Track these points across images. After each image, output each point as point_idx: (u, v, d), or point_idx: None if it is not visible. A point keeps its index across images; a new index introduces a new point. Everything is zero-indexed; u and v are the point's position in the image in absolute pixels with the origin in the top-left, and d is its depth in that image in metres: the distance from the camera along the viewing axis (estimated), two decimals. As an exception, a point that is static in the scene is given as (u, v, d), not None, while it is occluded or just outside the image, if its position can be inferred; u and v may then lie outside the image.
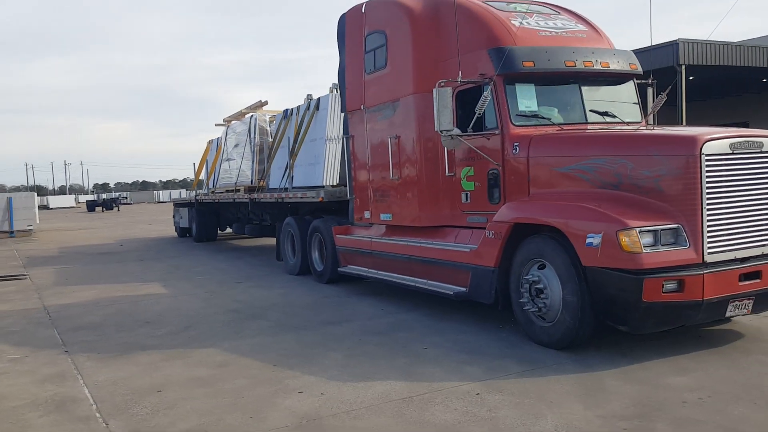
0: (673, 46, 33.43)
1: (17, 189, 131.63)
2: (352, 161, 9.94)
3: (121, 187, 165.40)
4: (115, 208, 66.66)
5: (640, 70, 7.74)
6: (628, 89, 7.84)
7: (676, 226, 5.59)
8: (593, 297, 5.84)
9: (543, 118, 7.23)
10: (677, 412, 4.59)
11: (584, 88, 7.45)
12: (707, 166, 5.56)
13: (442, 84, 7.04)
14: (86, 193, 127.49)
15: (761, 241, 5.88)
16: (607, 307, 5.78)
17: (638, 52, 29.92)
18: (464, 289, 7.37)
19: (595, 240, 5.70)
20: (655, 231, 5.55)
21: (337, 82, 10.67)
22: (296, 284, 11.11)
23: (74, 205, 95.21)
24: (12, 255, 18.97)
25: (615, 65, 7.49)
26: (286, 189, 13.52)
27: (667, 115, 42.54)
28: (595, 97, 7.56)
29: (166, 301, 10.05)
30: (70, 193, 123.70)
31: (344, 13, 9.79)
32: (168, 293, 10.88)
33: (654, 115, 8.20)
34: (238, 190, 16.34)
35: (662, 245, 5.55)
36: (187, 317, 8.73)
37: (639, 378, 5.34)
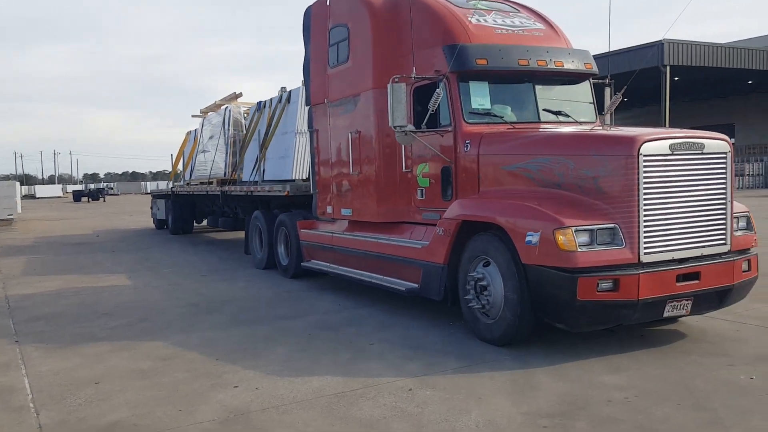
0: (657, 46, 33.67)
1: (6, 177, 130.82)
2: (316, 155, 9.94)
3: (110, 177, 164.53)
4: (101, 199, 66.42)
5: (595, 69, 7.77)
6: (584, 89, 7.87)
7: (612, 225, 5.63)
8: (532, 295, 5.87)
9: (496, 116, 7.25)
10: (600, 410, 4.63)
11: (538, 87, 7.48)
12: (645, 166, 5.60)
13: (396, 80, 7.04)
14: (75, 183, 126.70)
15: (700, 242, 5.93)
16: (544, 304, 5.83)
17: (623, 52, 29.98)
18: (416, 285, 7.40)
19: (533, 238, 5.73)
20: (591, 230, 5.59)
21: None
22: (261, 278, 11.12)
23: (61, 195, 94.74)
24: (-16, 244, 18.87)
25: (569, 65, 7.52)
26: (256, 182, 13.50)
27: (652, 114, 42.80)
28: (549, 96, 7.59)
29: (128, 293, 10.04)
30: (59, 183, 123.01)
31: (310, 5, 9.78)
32: (131, 285, 10.86)
33: (610, 115, 8.23)
34: (212, 183, 16.30)
35: (598, 244, 5.59)
36: (145, 309, 8.72)
37: (572, 376, 5.38)
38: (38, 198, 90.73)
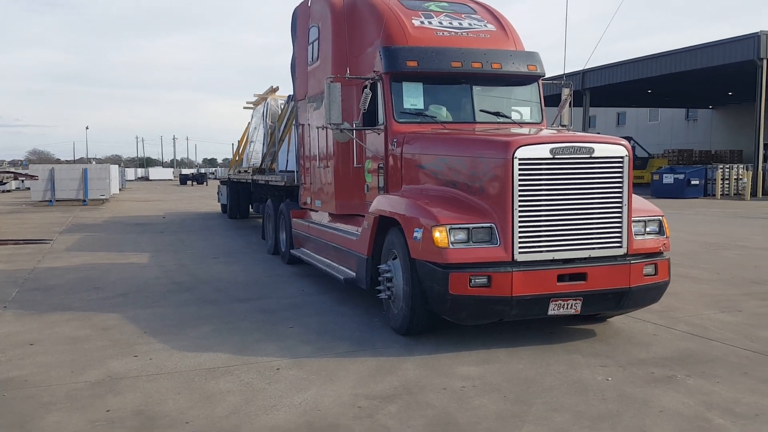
0: (753, 38, 31.69)
1: (132, 160, 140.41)
2: (300, 148, 10.48)
3: (227, 162, 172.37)
4: (205, 183, 70.19)
5: (540, 71, 7.82)
6: (529, 90, 7.94)
7: (489, 225, 5.81)
8: (421, 288, 6.15)
9: (428, 116, 7.50)
10: (425, 396, 4.90)
11: (477, 88, 7.64)
12: (520, 169, 5.73)
13: (331, 79, 7.44)
14: (194, 167, 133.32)
15: (587, 244, 5.98)
16: (428, 297, 6.09)
17: (715, 45, 28.71)
18: (354, 274, 7.80)
19: (418, 234, 6.01)
20: (467, 229, 5.80)
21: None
22: (261, 263, 11.81)
23: (172, 178, 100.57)
24: (62, 221, 20.77)
25: (509, 66, 7.63)
26: (291, 171, 14.21)
27: (746, 111, 40.40)
28: (489, 96, 7.73)
29: (133, 271, 11.01)
30: (178, 167, 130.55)
31: (296, 6, 10.30)
32: (144, 263, 11.85)
33: (561, 115, 8.23)
34: (248, 171, 17.22)
35: (474, 242, 5.79)
36: (133, 285, 9.61)
37: (435, 365, 5.64)
38: (150, 180, 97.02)
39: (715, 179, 32.32)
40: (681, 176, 31.59)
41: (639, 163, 45.72)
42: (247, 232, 17.51)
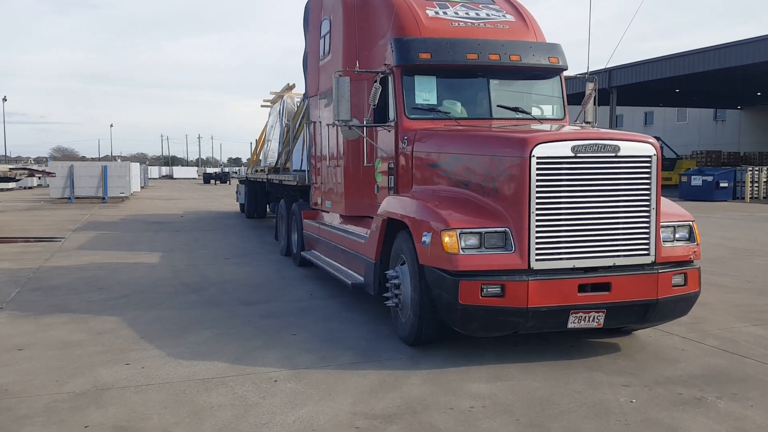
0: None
1: (157, 159, 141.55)
2: (312, 147, 10.11)
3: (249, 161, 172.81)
4: (228, 182, 70.31)
5: (562, 63, 7.36)
6: (551, 84, 7.48)
7: (503, 229, 5.37)
8: (430, 296, 5.73)
9: (441, 111, 7.08)
10: (430, 417, 4.49)
11: (493, 82, 7.21)
12: (539, 169, 5.28)
13: (340, 74, 7.04)
14: (219, 166, 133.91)
15: (612, 251, 5.52)
16: (437, 306, 5.67)
17: (747, 43, 27.94)
18: (362, 279, 7.40)
19: (427, 239, 5.60)
20: (480, 233, 5.37)
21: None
22: (272, 264, 11.47)
23: (196, 176, 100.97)
24: (77, 219, 20.64)
25: (529, 59, 7.17)
26: (303, 171, 13.87)
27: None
28: (508, 90, 7.29)
29: (142, 270, 10.72)
30: (204, 166, 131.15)
31: (309, -1, 9.93)
32: (153, 263, 11.57)
33: (586, 111, 7.75)
34: (263, 170, 16.91)
35: (486, 248, 5.36)
36: (138, 286, 9.31)
37: (443, 381, 5.22)
38: (174, 178, 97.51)
39: (744, 182, 31.40)
40: (710, 178, 30.74)
41: (667, 164, 44.73)
42: (263, 232, 17.20)
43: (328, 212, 9.82)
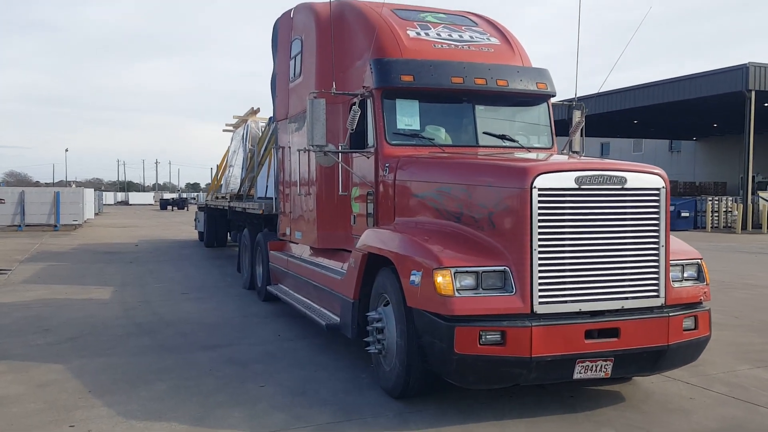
0: (742, 69, 31.33)
1: (113, 184, 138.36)
2: (280, 173, 9.47)
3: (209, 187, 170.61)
4: (186, 208, 68.72)
5: (550, 89, 6.90)
6: (538, 111, 7.01)
7: (502, 268, 4.80)
8: (419, 342, 5.11)
9: (424, 138, 6.53)
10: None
11: (479, 108, 6.70)
12: (540, 201, 4.74)
13: (315, 95, 6.45)
14: (176, 191, 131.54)
15: (620, 292, 4.98)
16: (428, 354, 5.04)
17: (704, 76, 28.40)
18: (338, 319, 6.74)
19: (416, 278, 4.98)
20: (476, 272, 4.78)
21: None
22: (234, 299, 10.71)
23: (152, 202, 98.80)
24: (27, 249, 19.50)
25: (516, 84, 6.69)
26: (270, 198, 13.17)
27: (730, 143, 40.19)
28: (494, 117, 6.79)
29: (91, 308, 9.85)
30: (160, 191, 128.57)
31: (278, 18, 9.35)
32: (104, 299, 10.71)
33: (573, 140, 7.29)
34: (225, 197, 16.17)
35: (484, 289, 4.78)
36: (87, 327, 8.48)
37: (438, 444, 4.58)
38: (130, 204, 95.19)
39: (705, 211, 31.71)
40: (671, 208, 30.92)
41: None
42: (223, 263, 16.37)
43: (297, 243, 9.14)
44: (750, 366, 6.71)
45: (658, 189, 5.07)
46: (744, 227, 30.37)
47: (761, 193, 33.68)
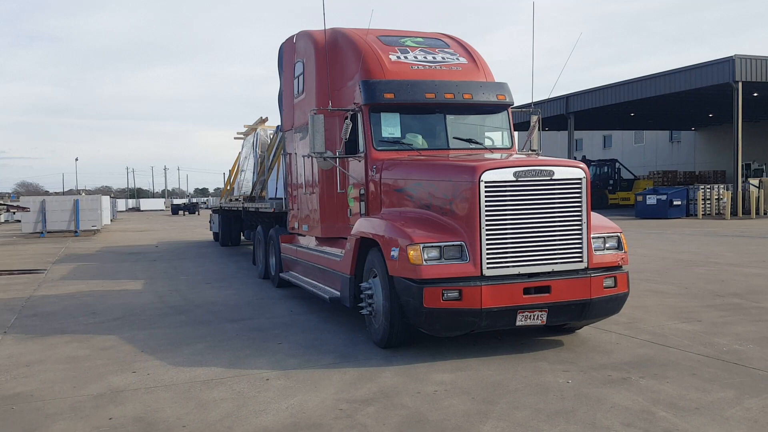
0: (728, 62, 32.67)
1: (122, 191, 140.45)
2: (288, 176, 11.02)
3: (218, 192, 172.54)
4: (197, 213, 70.47)
5: (508, 100, 8.43)
6: (500, 118, 8.54)
7: (459, 243, 6.33)
8: (399, 303, 6.65)
9: (404, 143, 8.07)
10: (401, 399, 5.38)
11: (449, 117, 8.23)
12: (486, 191, 6.28)
13: (315, 111, 8.00)
14: (185, 197, 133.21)
15: (550, 259, 6.50)
16: (405, 311, 6.58)
17: (694, 68, 29.87)
18: (339, 293, 8.28)
19: (395, 253, 6.53)
20: (440, 247, 6.32)
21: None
22: (252, 287, 12.27)
23: (163, 208, 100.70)
24: (55, 252, 21.15)
25: (479, 96, 8.22)
26: (280, 198, 14.73)
27: (726, 132, 41.43)
28: (462, 124, 8.31)
29: (128, 296, 11.43)
30: (169, 197, 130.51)
31: (283, 42, 10.92)
32: (138, 290, 12.28)
33: (531, 140, 8.81)
34: (238, 199, 17.72)
35: (446, 259, 6.31)
36: (129, 310, 10.03)
37: (412, 373, 6.12)
38: (142, 210, 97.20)
39: (696, 199, 33.07)
40: (663, 197, 32.32)
41: (625, 185, 46.68)
42: (239, 259, 17.96)
43: (304, 235, 10.70)
44: (677, 321, 8.18)
45: (579, 179, 6.58)
46: (734, 214, 31.75)
47: (751, 180, 35.04)
